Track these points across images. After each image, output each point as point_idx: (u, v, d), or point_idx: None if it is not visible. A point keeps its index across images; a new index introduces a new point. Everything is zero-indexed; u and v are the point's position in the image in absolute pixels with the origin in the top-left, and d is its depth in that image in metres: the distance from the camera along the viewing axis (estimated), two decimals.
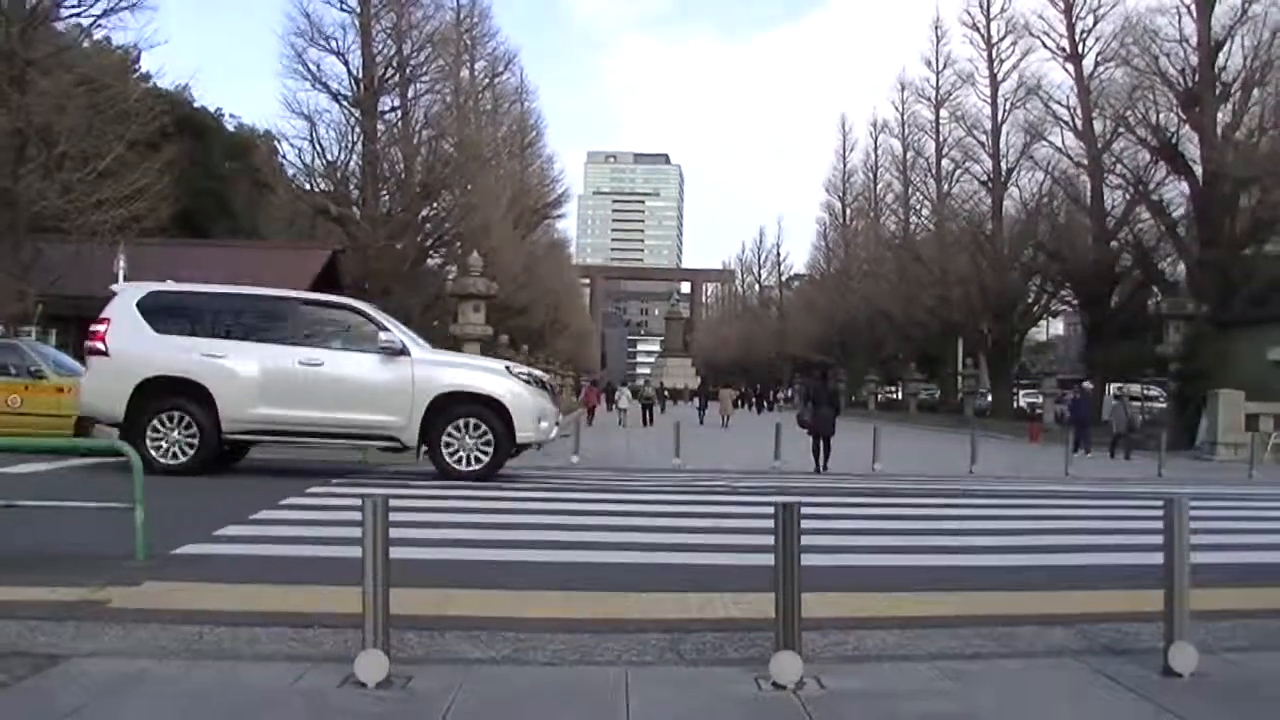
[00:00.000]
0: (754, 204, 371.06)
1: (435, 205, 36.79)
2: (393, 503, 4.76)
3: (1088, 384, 21.91)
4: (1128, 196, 38.61)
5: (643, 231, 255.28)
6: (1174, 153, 32.74)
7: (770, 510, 4.79)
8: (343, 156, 34.38)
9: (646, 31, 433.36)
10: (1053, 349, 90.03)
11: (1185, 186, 34.48)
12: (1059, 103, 40.73)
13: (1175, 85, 32.95)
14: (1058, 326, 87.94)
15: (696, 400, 52.24)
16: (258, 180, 39.16)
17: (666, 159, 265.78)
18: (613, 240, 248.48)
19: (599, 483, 14.79)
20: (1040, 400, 48.45)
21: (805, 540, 4.76)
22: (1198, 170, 32.73)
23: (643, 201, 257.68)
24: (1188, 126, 33.15)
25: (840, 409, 19.47)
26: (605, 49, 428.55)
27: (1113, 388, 40.53)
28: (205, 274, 28.34)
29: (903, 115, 63.61)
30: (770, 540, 4.71)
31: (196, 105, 47.37)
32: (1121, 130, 35.39)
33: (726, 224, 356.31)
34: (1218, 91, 32.49)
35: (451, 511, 10.29)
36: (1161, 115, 33.21)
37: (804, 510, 4.79)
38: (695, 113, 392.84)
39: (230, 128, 52.73)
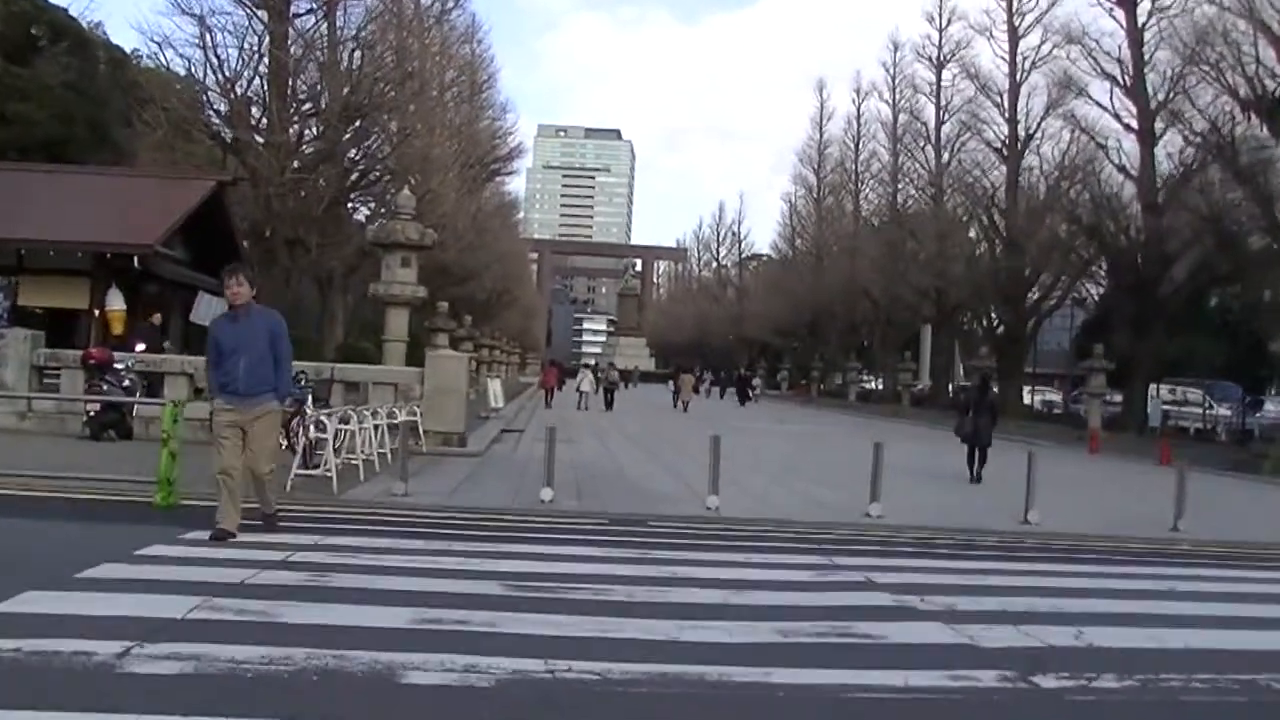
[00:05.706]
0: (704, 187, 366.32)
1: (364, 144, 29.82)
2: None
3: None
4: (1183, 165, 32.82)
5: (592, 207, 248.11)
6: (1274, 105, 26.87)
7: None
8: (244, 71, 27.31)
9: (597, 11, 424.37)
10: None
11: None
12: (1108, 53, 34.73)
13: (1272, 29, 27.08)
14: None
15: (671, 384, 49.73)
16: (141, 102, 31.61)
17: (618, 135, 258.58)
18: (561, 215, 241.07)
19: (602, 564, 8.24)
20: (1058, 398, 43.03)
21: None
22: None
23: (593, 177, 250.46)
24: None
25: (998, 418, 18.70)
26: (555, 27, 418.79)
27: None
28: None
29: (894, 78, 57.69)
30: None
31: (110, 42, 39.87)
32: (1200, 80, 29.39)
33: (677, 206, 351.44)
34: None
35: None
36: (1259, 65, 27.27)
37: None
38: (647, 94, 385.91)
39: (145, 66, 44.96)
